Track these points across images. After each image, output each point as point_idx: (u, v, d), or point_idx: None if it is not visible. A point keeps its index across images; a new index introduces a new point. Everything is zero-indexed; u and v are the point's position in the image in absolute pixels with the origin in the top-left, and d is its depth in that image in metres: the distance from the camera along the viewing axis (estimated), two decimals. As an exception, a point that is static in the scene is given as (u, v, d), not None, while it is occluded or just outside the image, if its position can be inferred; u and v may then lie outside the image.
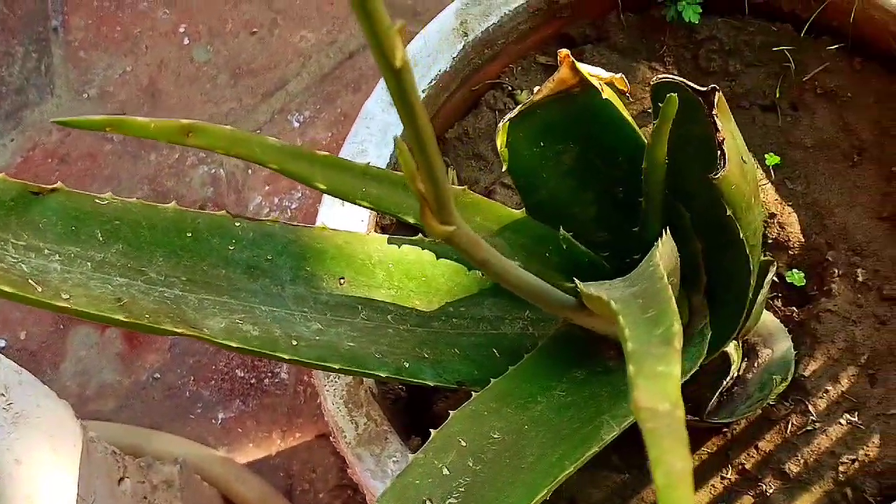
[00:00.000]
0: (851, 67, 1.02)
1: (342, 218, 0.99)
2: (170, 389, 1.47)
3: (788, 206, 1.01)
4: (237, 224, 0.82)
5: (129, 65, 1.65)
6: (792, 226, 1.00)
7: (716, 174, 0.75)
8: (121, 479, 1.15)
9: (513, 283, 0.69)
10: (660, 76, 0.76)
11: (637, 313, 0.57)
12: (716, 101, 0.75)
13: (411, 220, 0.78)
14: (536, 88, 0.83)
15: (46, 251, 0.73)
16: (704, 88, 0.75)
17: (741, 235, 0.80)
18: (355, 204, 0.76)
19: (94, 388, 1.49)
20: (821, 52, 1.03)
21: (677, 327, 0.53)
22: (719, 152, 0.75)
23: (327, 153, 0.72)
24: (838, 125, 1.02)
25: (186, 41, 1.65)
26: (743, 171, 0.78)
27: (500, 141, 0.84)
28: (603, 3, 1.04)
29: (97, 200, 0.76)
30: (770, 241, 1.01)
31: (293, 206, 1.54)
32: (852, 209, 1.00)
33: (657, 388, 0.44)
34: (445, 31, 1.02)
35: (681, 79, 0.76)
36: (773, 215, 1.01)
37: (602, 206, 0.89)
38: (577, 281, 0.72)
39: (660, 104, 0.75)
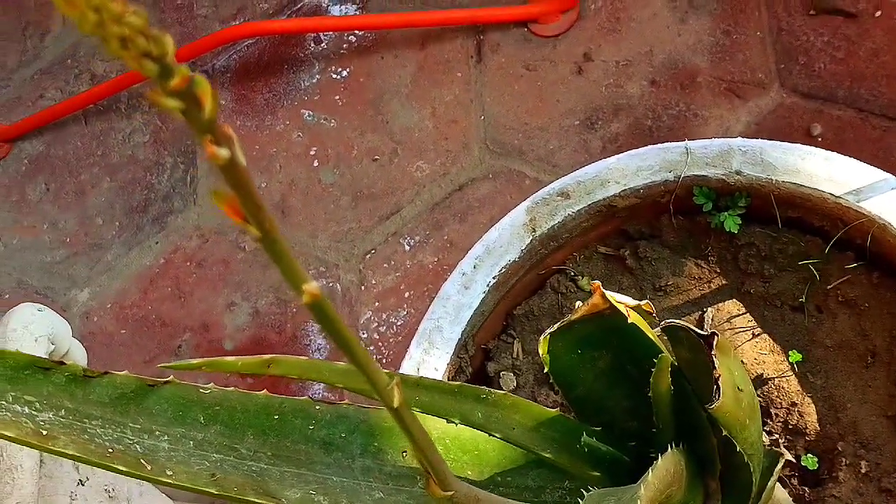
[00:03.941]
0: (870, 281, 1.16)
1: (421, 372, 1.15)
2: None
3: (808, 397, 1.15)
4: (317, 407, 0.98)
5: (264, 181, 1.84)
6: (810, 415, 1.15)
7: (710, 405, 0.90)
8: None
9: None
10: (667, 321, 0.91)
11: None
12: (714, 343, 0.90)
13: (457, 421, 0.95)
14: (578, 304, 0.99)
15: (157, 433, 0.90)
16: (706, 333, 0.90)
17: (738, 448, 0.95)
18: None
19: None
20: (844, 264, 1.16)
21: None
22: (715, 386, 0.90)
23: (387, 371, 0.89)
24: (856, 330, 1.15)
25: (316, 163, 1.84)
26: (737, 399, 0.93)
27: (543, 349, 0.99)
28: (657, 207, 1.20)
29: (201, 390, 0.93)
30: (790, 427, 1.15)
31: (398, 323, 1.71)
32: (863, 405, 1.14)
33: None
34: (517, 225, 1.18)
35: (685, 324, 0.91)
36: (794, 404, 1.15)
37: (633, 401, 1.04)
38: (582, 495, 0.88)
39: (667, 338, 0.91)
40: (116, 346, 1.79)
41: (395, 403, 0.60)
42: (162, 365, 0.81)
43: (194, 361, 0.79)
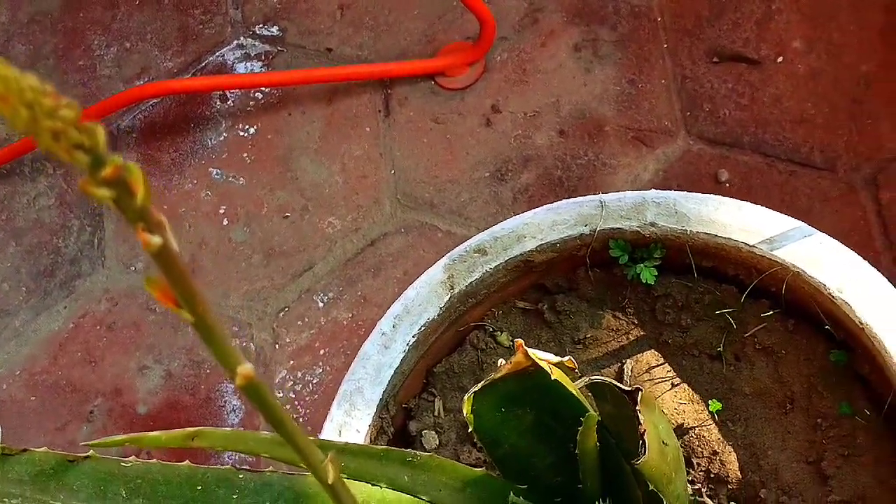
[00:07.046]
0: (786, 328, 1.17)
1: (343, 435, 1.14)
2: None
3: (729, 445, 1.16)
4: (241, 476, 0.97)
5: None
6: (731, 463, 1.15)
7: (637, 460, 0.90)
8: None
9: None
10: (592, 377, 0.92)
11: None
12: (639, 398, 0.90)
13: (384, 486, 0.94)
14: (500, 362, 0.98)
15: (78, 509, 0.89)
16: (630, 388, 0.90)
17: (664, 502, 0.95)
18: (336, 476, 0.92)
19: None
20: (760, 312, 1.18)
21: None
22: (640, 442, 0.90)
23: (312, 438, 0.88)
24: (773, 377, 1.17)
25: (226, 222, 1.83)
26: (663, 453, 0.93)
27: (466, 409, 0.99)
28: (573, 261, 1.20)
29: (122, 463, 0.92)
30: (712, 476, 1.16)
31: (314, 381, 1.70)
32: (783, 452, 1.15)
33: None
34: (434, 283, 1.18)
35: (609, 380, 0.91)
36: (715, 452, 1.16)
37: (557, 457, 1.04)
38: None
39: (592, 394, 0.91)
40: (27, 413, 1.76)
41: (330, 479, 0.60)
42: (85, 443, 0.80)
43: (118, 438, 0.78)
